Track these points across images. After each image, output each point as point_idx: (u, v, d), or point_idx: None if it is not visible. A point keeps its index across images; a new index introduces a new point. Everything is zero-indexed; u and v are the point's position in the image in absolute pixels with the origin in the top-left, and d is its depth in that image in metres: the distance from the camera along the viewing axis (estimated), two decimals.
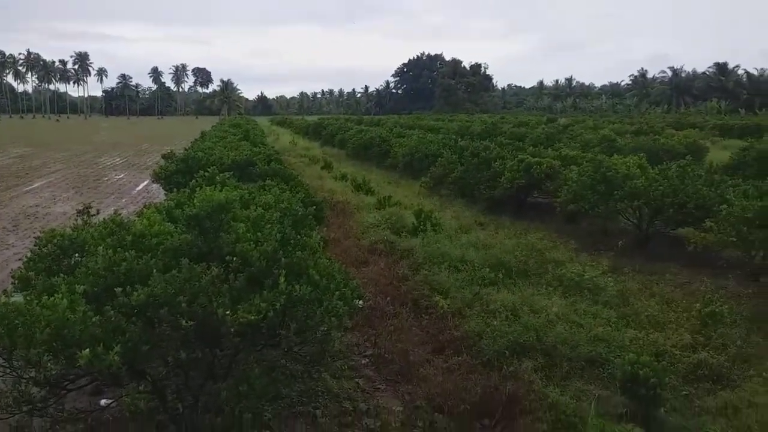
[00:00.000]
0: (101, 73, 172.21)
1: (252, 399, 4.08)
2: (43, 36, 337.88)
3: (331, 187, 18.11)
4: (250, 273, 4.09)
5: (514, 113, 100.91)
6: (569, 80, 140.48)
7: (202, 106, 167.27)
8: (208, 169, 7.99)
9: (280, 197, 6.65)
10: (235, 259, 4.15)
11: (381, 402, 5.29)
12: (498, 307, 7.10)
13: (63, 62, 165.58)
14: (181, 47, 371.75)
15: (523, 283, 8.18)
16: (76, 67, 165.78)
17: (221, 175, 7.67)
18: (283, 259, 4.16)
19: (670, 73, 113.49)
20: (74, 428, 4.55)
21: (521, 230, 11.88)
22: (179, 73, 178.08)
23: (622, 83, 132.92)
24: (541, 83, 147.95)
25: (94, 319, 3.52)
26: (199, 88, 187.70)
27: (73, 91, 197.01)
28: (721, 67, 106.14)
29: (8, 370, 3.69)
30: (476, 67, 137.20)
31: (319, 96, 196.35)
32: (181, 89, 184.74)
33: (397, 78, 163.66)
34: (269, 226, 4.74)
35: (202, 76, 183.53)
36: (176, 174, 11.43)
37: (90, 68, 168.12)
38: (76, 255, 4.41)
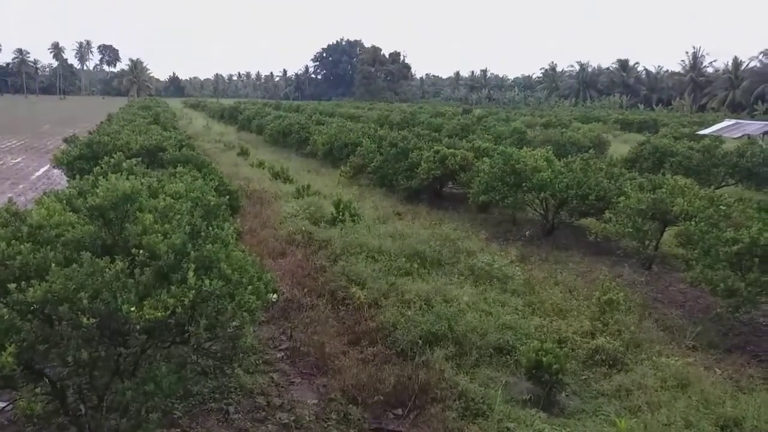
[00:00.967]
0: None
1: (160, 398, 3.95)
2: None
3: (248, 174, 17.72)
4: (157, 267, 3.94)
5: (432, 103, 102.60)
6: (484, 72, 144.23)
7: (109, 86, 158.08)
8: (114, 155, 7.60)
9: (191, 186, 6.42)
10: (141, 252, 3.97)
11: (296, 396, 5.28)
12: (413, 297, 7.25)
13: None
14: (86, 22, 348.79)
15: (437, 273, 8.38)
16: None
17: (128, 161, 7.33)
18: (192, 252, 4.03)
19: (577, 67, 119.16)
20: None
21: (437, 220, 12.15)
22: (83, 49, 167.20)
23: (534, 76, 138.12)
24: (457, 74, 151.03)
25: None
26: (105, 67, 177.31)
27: None
28: (623, 64, 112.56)
29: None
30: (395, 55, 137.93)
31: (235, 78, 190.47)
32: (85, 67, 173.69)
33: (317, 63, 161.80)
34: (179, 217, 4.57)
35: (109, 53, 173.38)
36: (79, 159, 10.80)
37: None
38: None
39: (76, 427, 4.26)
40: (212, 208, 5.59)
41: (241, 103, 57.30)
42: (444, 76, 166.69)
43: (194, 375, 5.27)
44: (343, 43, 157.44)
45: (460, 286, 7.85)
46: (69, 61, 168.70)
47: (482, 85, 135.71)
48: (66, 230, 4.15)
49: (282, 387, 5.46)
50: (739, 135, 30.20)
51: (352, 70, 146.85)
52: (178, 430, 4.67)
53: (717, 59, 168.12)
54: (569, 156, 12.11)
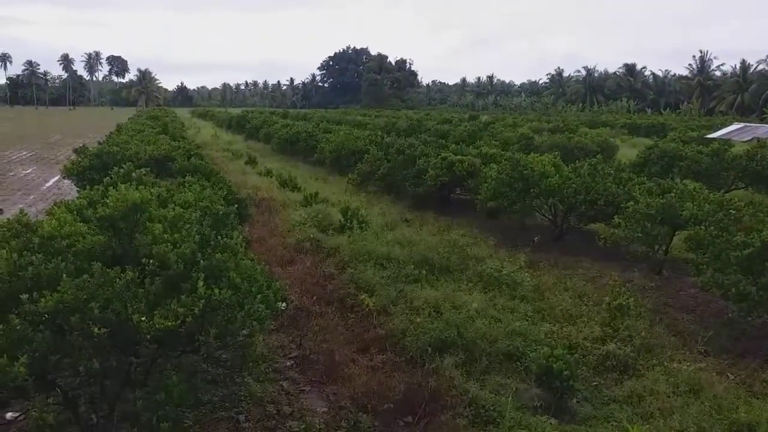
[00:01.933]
0: (5, 58, 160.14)
1: (170, 407, 3.96)
2: None
3: (256, 183, 17.78)
4: (167, 276, 3.97)
5: (439, 110, 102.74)
6: (491, 78, 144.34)
7: (117, 96, 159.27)
8: (124, 165, 7.65)
9: (200, 195, 6.47)
10: (151, 262, 4.00)
11: (305, 404, 5.27)
12: (421, 304, 7.24)
13: None
14: (94, 33, 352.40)
15: (445, 280, 8.37)
16: None
17: (138, 171, 7.37)
18: (202, 261, 4.06)
19: (584, 72, 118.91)
20: None
21: (445, 226, 12.13)
22: (92, 60, 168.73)
23: (540, 81, 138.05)
24: (463, 80, 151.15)
25: None
26: (114, 78, 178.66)
27: None
28: (630, 68, 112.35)
29: None
30: (401, 63, 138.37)
31: (242, 87, 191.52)
32: (94, 78, 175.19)
33: (323, 71, 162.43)
34: (188, 226, 4.60)
35: (118, 64, 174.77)
36: (89, 170, 10.89)
37: None
38: None
39: None
40: (221, 217, 5.63)
41: (249, 112, 57.54)
42: (450, 83, 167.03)
43: (204, 384, 5.29)
44: (350, 51, 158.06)
45: (469, 292, 7.83)
46: (78, 73, 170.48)
47: (489, 91, 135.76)
48: (77, 241, 4.19)
49: (292, 395, 5.46)
50: (749, 138, 30.04)
51: (358, 77, 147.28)
52: None
53: (725, 63, 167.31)
54: (577, 161, 12.04)
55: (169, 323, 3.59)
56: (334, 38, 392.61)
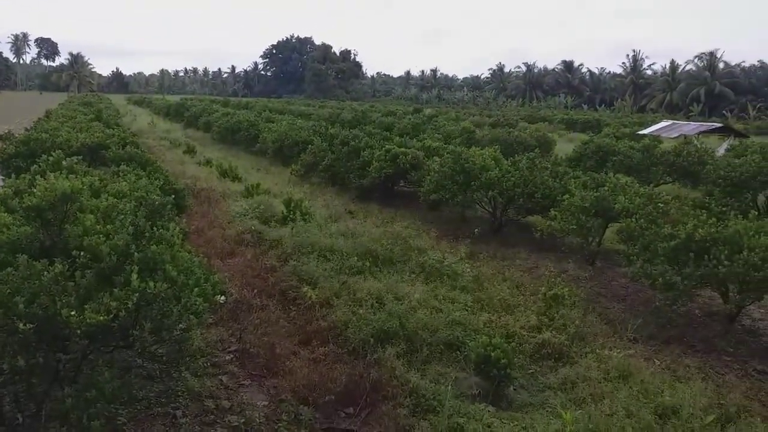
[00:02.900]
0: None
1: (102, 404, 3.83)
2: None
3: (195, 173, 17.32)
4: (99, 269, 3.82)
5: (383, 102, 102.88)
6: (434, 71, 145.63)
7: (47, 80, 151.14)
8: (53, 153, 7.32)
9: (135, 185, 6.26)
10: (82, 254, 3.85)
11: (245, 398, 5.20)
12: (364, 296, 7.25)
13: None
14: (21, 13, 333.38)
15: (388, 271, 8.42)
16: None
17: (68, 159, 7.07)
18: (136, 253, 3.93)
19: (524, 68, 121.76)
20: None
21: (389, 218, 12.20)
22: (19, 42, 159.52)
23: (482, 76, 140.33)
24: (408, 73, 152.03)
25: None
26: (43, 61, 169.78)
27: None
28: (568, 65, 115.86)
29: None
30: (346, 53, 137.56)
31: (181, 74, 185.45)
32: (22, 61, 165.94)
33: (266, 60, 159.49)
34: (122, 217, 4.45)
35: (48, 47, 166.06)
36: (16, 157, 10.33)
37: None
38: None
39: None
40: (157, 208, 5.46)
41: (188, 100, 56.01)
42: (395, 75, 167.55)
43: (139, 379, 5.14)
44: (293, 40, 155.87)
45: (411, 283, 7.91)
46: (4, 55, 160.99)
47: (432, 85, 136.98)
48: (0, 232, 3.97)
49: (231, 389, 5.37)
50: (676, 135, 31.51)
51: (302, 67, 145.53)
52: None
53: (656, 62, 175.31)
54: (516, 155, 12.36)
55: (101, 318, 3.46)
56: (278, 26, 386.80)
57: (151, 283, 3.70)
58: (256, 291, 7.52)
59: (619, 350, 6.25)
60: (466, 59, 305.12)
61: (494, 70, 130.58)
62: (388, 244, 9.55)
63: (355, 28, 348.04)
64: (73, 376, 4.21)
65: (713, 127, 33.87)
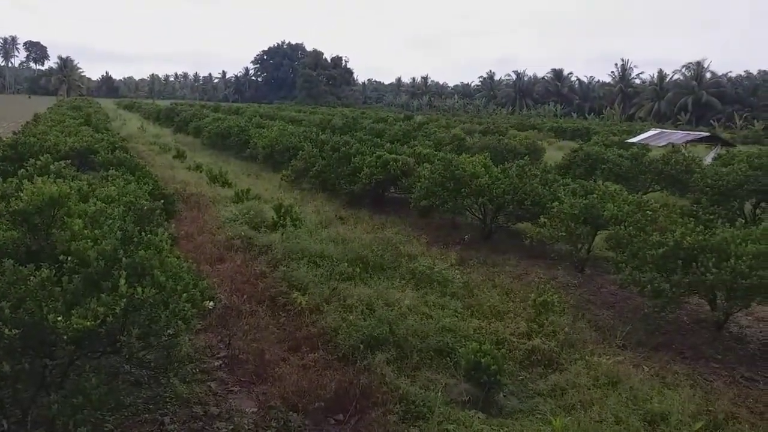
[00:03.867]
0: None
1: (89, 410, 3.78)
2: None
3: (184, 178, 17.24)
4: (86, 274, 3.79)
5: (374, 109, 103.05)
6: (425, 79, 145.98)
7: (36, 84, 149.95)
8: (41, 157, 7.27)
9: (124, 189, 6.23)
10: (69, 259, 3.81)
11: (234, 405, 5.16)
12: (354, 302, 7.24)
13: None
14: (10, 17, 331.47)
15: (378, 277, 8.41)
16: None
17: (57, 163, 7.03)
18: (124, 258, 3.89)
19: (514, 76, 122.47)
20: None
21: (379, 224, 12.19)
22: (8, 45, 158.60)
23: (473, 84, 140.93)
24: (399, 80, 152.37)
25: None
26: (32, 65, 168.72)
27: None
28: (558, 74, 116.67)
29: None
30: (337, 60, 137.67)
31: (172, 79, 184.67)
32: (10, 64, 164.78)
33: (257, 65, 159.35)
34: (110, 222, 4.42)
35: (36, 50, 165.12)
36: (3, 161, 10.25)
37: None
38: None
39: None
40: (146, 213, 5.44)
41: (178, 105, 55.74)
42: (386, 82, 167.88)
43: (127, 386, 5.09)
44: (285, 46, 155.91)
45: (401, 289, 7.90)
46: None
47: (423, 92, 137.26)
48: None
49: (220, 396, 5.33)
50: (664, 143, 31.79)
51: (293, 73, 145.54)
52: None
53: (644, 71, 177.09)
54: (506, 162, 12.40)
55: (88, 323, 3.42)
56: (269, 32, 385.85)
57: (139, 289, 3.67)
58: (245, 297, 7.48)
59: (608, 357, 6.27)
60: (456, 67, 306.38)
61: (484, 78, 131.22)
62: (378, 250, 9.54)
63: (347, 35, 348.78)
64: (60, 382, 4.16)
65: (701, 136, 34.20)
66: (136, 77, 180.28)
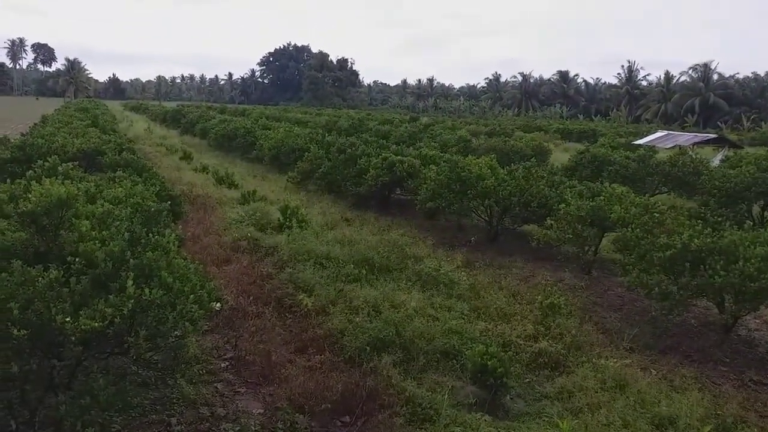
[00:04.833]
0: None
1: (96, 411, 3.80)
2: None
3: (191, 179, 17.29)
4: (94, 275, 3.80)
5: (380, 110, 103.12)
6: (431, 80, 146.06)
7: (44, 86, 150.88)
8: (49, 158, 7.30)
9: (131, 191, 6.25)
10: (77, 260, 3.83)
11: (241, 406, 5.16)
12: (360, 304, 7.23)
13: None
14: (17, 19, 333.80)
15: (384, 279, 8.40)
16: None
17: (64, 165, 7.05)
18: (132, 260, 3.91)
19: (520, 78, 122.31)
20: None
21: (385, 226, 12.19)
22: (16, 48, 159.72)
23: (479, 86, 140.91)
24: (404, 82, 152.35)
25: None
26: (40, 66, 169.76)
27: None
28: (564, 75, 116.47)
29: None
30: (343, 62, 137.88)
31: (178, 81, 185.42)
32: (18, 66, 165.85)
33: (263, 67, 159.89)
34: (118, 223, 4.43)
35: (44, 52, 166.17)
36: (11, 163, 10.31)
37: None
38: None
39: None
40: (153, 214, 5.45)
41: (185, 106, 55.97)
42: (392, 84, 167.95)
43: (134, 386, 5.10)
44: (291, 48, 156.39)
45: (407, 291, 7.89)
46: (0, 60, 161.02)
47: (429, 94, 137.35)
48: None
49: (227, 397, 5.33)
50: (671, 145, 31.71)
51: (299, 75, 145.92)
52: None
53: (650, 73, 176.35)
54: (512, 164, 12.37)
55: (96, 324, 3.43)
56: (275, 34, 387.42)
57: (147, 290, 3.69)
58: (251, 298, 7.49)
59: (615, 360, 6.24)
60: (462, 69, 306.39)
61: (490, 80, 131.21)
62: (384, 252, 9.53)
63: (352, 37, 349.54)
64: (68, 382, 4.18)
65: (708, 137, 34.10)
66: (143, 79, 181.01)
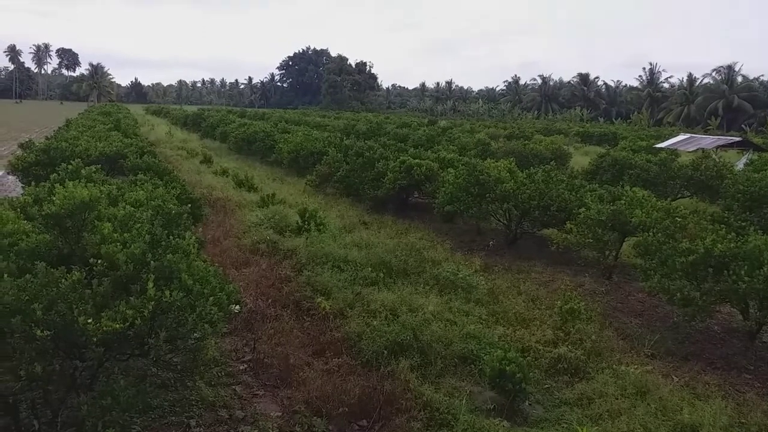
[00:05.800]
0: None
1: (117, 412, 3.84)
2: None
3: (211, 182, 17.46)
4: (116, 277, 3.85)
5: (398, 114, 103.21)
6: (449, 83, 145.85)
7: (68, 90, 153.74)
8: (73, 162, 7.43)
9: (152, 194, 6.32)
10: (99, 262, 3.88)
11: (259, 408, 5.19)
12: (378, 307, 7.22)
13: None
14: (43, 24, 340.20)
15: (402, 283, 8.38)
16: None
17: (87, 168, 7.16)
18: (152, 262, 3.95)
19: (540, 80, 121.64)
20: None
21: (403, 229, 12.18)
22: (41, 53, 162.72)
23: (497, 89, 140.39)
24: (423, 85, 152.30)
25: None
26: (64, 71, 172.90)
27: None
28: (584, 78, 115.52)
29: None
30: (362, 65, 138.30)
31: (199, 85, 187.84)
32: (43, 71, 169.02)
33: (283, 71, 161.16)
34: (139, 225, 4.48)
35: (68, 57, 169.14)
36: (35, 166, 10.53)
37: None
38: None
39: None
40: (173, 217, 5.50)
41: (205, 110, 56.58)
42: (410, 87, 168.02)
43: (154, 388, 5.15)
44: (310, 51, 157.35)
45: (425, 295, 7.86)
46: (26, 65, 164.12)
47: (447, 97, 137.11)
48: (20, 239, 4.02)
49: (245, 399, 5.36)
50: (694, 149, 31.24)
51: (318, 78, 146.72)
52: None
53: (673, 75, 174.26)
54: (532, 167, 12.29)
55: (117, 326, 3.47)
56: (294, 38, 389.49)
57: (167, 292, 3.72)
58: (270, 301, 7.52)
59: (636, 366, 6.16)
60: (481, 72, 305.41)
61: (510, 83, 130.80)
62: (402, 255, 9.52)
63: (371, 41, 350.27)
64: (89, 383, 4.23)
65: (732, 141, 33.54)
66: (164, 83, 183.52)
